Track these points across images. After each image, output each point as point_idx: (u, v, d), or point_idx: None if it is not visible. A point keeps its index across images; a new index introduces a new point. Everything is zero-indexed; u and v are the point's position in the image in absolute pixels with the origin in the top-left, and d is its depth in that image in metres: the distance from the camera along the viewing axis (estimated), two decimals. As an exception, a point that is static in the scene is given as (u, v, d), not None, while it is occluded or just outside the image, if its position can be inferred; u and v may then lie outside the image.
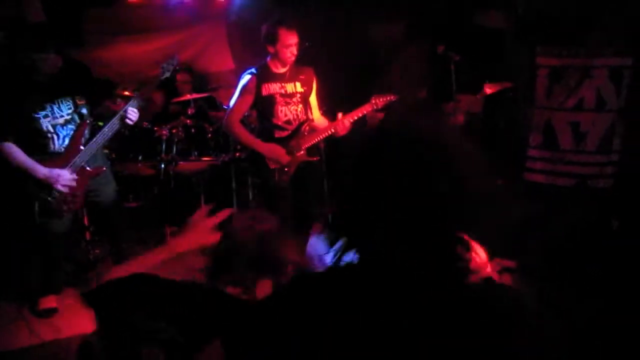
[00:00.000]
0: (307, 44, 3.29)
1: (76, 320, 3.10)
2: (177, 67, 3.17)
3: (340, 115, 3.24)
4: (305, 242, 3.58)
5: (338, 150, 5.00)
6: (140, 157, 4.23)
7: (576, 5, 3.43)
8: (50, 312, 3.17)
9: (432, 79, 3.25)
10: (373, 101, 3.27)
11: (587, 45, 3.60)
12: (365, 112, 3.27)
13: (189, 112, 4.50)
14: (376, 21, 4.61)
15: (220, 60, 5.52)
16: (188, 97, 4.61)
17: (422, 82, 3.26)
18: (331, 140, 4.77)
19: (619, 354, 2.27)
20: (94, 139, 3.01)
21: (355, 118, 3.25)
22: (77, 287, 3.51)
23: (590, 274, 2.93)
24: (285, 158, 3.22)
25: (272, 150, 3.21)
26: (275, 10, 4.56)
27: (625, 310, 2.69)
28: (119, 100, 3.31)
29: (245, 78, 3.22)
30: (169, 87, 4.83)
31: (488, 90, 3.22)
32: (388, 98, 3.29)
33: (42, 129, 2.90)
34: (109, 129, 2.97)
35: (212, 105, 4.91)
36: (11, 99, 2.84)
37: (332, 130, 3.24)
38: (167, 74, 3.04)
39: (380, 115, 3.39)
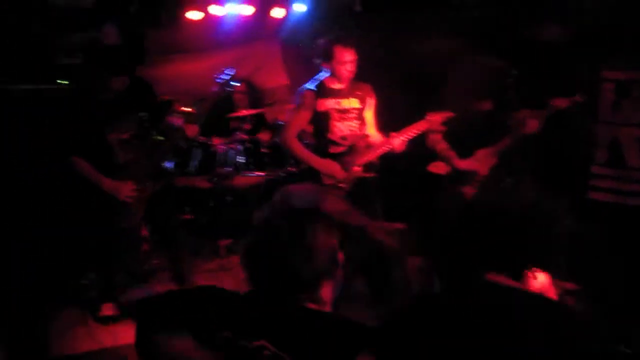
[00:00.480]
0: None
1: (131, 329, 3.19)
2: (234, 80, 3.23)
3: (392, 134, 3.22)
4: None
5: (394, 167, 4.96)
6: (197, 171, 4.34)
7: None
8: (110, 319, 3.29)
9: (493, 92, 3.17)
10: (428, 118, 3.23)
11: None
12: (421, 129, 3.22)
13: (245, 128, 4.60)
14: (430, 37, 4.57)
15: (274, 77, 5.62)
16: (244, 112, 4.71)
17: (484, 95, 3.19)
18: (386, 157, 4.77)
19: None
20: (156, 154, 3.14)
21: (412, 135, 3.22)
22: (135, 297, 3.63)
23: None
24: (340, 173, 3.22)
25: (327, 166, 3.21)
26: (331, 28, 4.63)
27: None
28: (176, 114, 3.41)
29: (302, 94, 3.25)
30: (227, 103, 4.96)
31: (559, 104, 3.10)
32: (444, 115, 3.23)
33: (108, 144, 3.05)
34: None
35: (263, 122, 4.99)
36: (83, 117, 3.01)
37: (389, 148, 3.22)
38: (227, 88, 3.12)
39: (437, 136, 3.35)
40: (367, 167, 3.31)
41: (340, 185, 3.24)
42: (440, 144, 3.37)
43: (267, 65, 5.63)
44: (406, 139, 3.20)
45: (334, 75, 3.19)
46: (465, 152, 3.33)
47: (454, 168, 3.33)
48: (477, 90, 3.25)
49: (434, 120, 3.22)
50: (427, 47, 4.91)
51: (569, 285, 3.39)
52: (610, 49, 3.58)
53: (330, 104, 3.23)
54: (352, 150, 3.27)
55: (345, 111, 3.25)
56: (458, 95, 3.30)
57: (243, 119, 4.74)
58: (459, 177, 3.33)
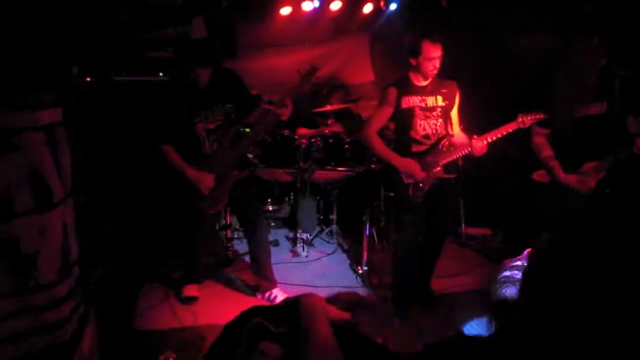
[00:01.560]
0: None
1: (213, 310, 3.34)
2: (318, 81, 3.25)
3: (475, 137, 3.09)
4: (436, 258, 3.45)
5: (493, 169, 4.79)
6: (280, 164, 4.43)
7: None
8: (192, 299, 3.45)
9: (600, 95, 2.92)
10: (520, 119, 3.04)
11: None
12: (509, 130, 3.05)
13: (329, 123, 4.62)
14: (525, 33, 4.33)
15: (361, 72, 5.61)
16: (328, 107, 4.73)
17: (593, 97, 2.95)
18: (470, 159, 4.61)
19: None
20: (241, 145, 3.23)
21: (495, 138, 3.06)
22: (216, 280, 3.79)
23: None
24: (420, 174, 3.14)
25: (407, 165, 3.15)
26: (421, 23, 4.53)
27: None
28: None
29: (387, 90, 3.21)
30: (318, 100, 5.03)
31: None
32: (536, 116, 3.03)
33: (196, 133, 3.19)
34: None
35: (349, 117, 4.99)
36: (173, 107, 3.16)
37: (468, 151, 3.09)
38: (307, 84, 3.14)
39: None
40: (449, 167, 3.21)
41: (420, 185, 3.16)
42: (545, 151, 3.16)
43: (354, 61, 5.63)
44: (487, 143, 3.06)
45: (419, 71, 3.11)
46: (572, 160, 3.09)
47: (557, 180, 3.12)
48: (582, 93, 3.01)
49: (525, 121, 3.03)
50: (523, 46, 4.67)
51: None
52: None
53: (414, 101, 3.16)
54: (434, 149, 3.18)
55: (429, 109, 3.16)
56: (562, 98, 3.08)
57: (327, 114, 4.76)
58: (563, 189, 3.11)
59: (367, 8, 5.31)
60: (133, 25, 3.78)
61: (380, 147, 3.21)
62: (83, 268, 1.82)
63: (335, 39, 5.67)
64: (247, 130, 3.34)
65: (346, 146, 4.40)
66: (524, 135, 3.27)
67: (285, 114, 3.14)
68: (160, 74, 4.43)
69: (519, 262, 1.99)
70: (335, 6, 5.18)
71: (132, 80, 4.33)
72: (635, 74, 2.86)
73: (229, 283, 3.78)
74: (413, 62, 3.09)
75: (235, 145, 3.23)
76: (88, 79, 4.04)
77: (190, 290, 3.50)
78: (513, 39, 4.59)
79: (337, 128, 4.56)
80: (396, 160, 3.17)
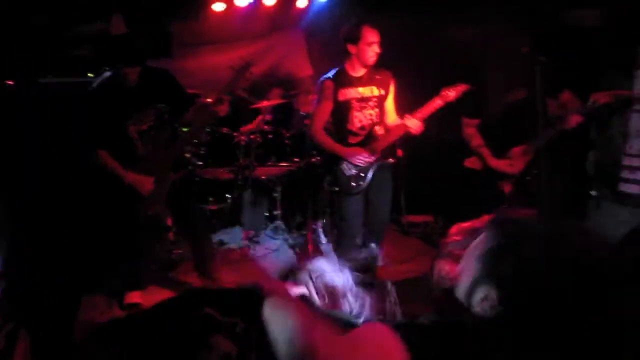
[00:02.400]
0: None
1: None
2: (255, 77, 3.24)
3: (406, 116, 3.17)
4: (380, 246, 3.52)
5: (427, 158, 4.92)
6: (220, 162, 4.38)
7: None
8: (134, 306, 3.35)
9: (524, 80, 3.08)
10: (444, 93, 3.13)
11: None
12: (436, 104, 3.12)
13: (266, 119, 4.60)
14: (458, 24, 4.48)
15: (299, 67, 5.62)
16: (265, 103, 4.71)
17: (521, 83, 3.10)
18: (410, 147, 4.72)
19: None
20: (176, 145, 3.16)
21: (427, 114, 3.14)
22: (161, 285, 3.70)
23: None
24: (369, 158, 3.22)
25: (355, 153, 3.22)
26: (356, 12, 4.57)
27: None
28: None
29: (322, 85, 3.25)
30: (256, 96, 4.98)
31: (602, 99, 2.97)
32: (459, 88, 3.12)
33: (128, 135, 3.10)
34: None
35: (289, 112, 4.99)
36: (103, 110, 3.06)
37: (404, 130, 3.17)
38: (242, 80, 3.12)
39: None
40: (386, 152, 3.29)
41: (362, 174, 3.22)
42: (475, 140, 3.30)
43: (291, 56, 5.63)
44: (421, 119, 3.13)
45: (357, 58, 3.16)
46: (502, 146, 3.24)
47: (488, 166, 3.26)
48: (509, 80, 3.17)
49: (450, 94, 3.12)
50: (453, 34, 4.82)
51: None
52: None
53: (350, 93, 3.21)
54: (369, 138, 3.26)
55: (365, 99, 3.22)
56: (492, 85, 3.23)
57: (265, 110, 4.74)
58: (495, 174, 3.26)
59: (302, 2, 5.32)
60: (49, 23, 3.60)
61: (327, 141, 3.27)
62: (10, 281, 1.74)
63: (272, 34, 5.65)
64: (184, 129, 3.28)
65: (286, 141, 4.41)
66: (459, 122, 3.40)
67: (222, 110, 3.11)
68: (90, 75, 4.27)
69: (457, 238, 2.07)
70: (270, 1, 5.16)
71: (59, 82, 4.13)
72: (552, 60, 3.01)
73: (174, 287, 3.70)
74: (353, 49, 3.13)
75: (170, 145, 3.16)
76: (9, 82, 3.82)
77: (133, 297, 3.40)
78: (446, 30, 4.74)
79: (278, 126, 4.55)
80: (344, 151, 3.23)
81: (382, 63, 3.30)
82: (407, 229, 4.77)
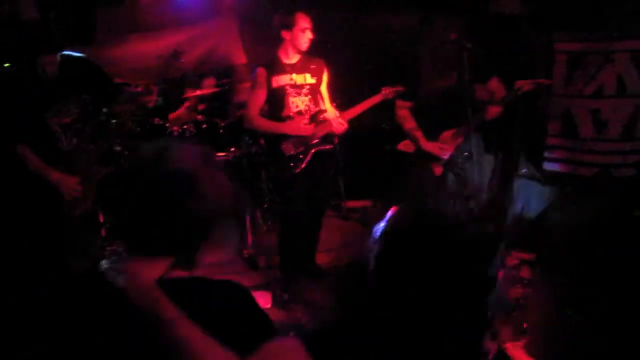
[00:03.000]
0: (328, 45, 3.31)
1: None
2: (186, 66, 3.16)
3: (339, 114, 3.25)
4: (318, 231, 3.54)
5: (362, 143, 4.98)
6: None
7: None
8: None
9: (453, 66, 3.17)
10: (384, 92, 3.26)
11: (607, 29, 3.47)
12: (375, 102, 3.26)
13: (200, 108, 4.49)
14: (390, 12, 4.54)
15: (232, 55, 5.50)
16: (198, 92, 4.59)
17: (448, 68, 3.19)
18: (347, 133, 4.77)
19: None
20: (103, 138, 3.02)
21: (359, 112, 3.26)
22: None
23: (610, 265, 2.84)
24: (309, 129, 3.23)
25: (296, 126, 3.23)
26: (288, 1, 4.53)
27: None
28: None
29: (256, 72, 3.26)
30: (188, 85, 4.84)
31: (525, 87, 3.12)
32: (398, 89, 3.28)
33: (50, 129, 2.91)
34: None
35: (224, 101, 4.90)
36: (19, 103, 2.85)
37: (328, 129, 3.24)
38: (171, 69, 3.04)
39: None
40: (325, 139, 3.32)
41: (301, 156, 3.24)
42: (408, 123, 3.38)
43: (224, 44, 5.50)
44: (345, 120, 3.24)
45: (291, 45, 3.17)
46: (434, 129, 3.33)
47: (421, 148, 3.35)
48: (439, 66, 3.25)
49: (389, 93, 3.25)
50: (388, 20, 4.89)
51: (526, 256, 3.47)
52: (564, 21, 3.61)
53: (284, 80, 3.21)
54: (310, 123, 3.29)
55: (299, 86, 3.23)
56: (423, 71, 3.30)
57: (195, 98, 4.62)
58: (427, 156, 3.35)
59: (233, -11, 5.20)
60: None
61: (265, 123, 3.28)
62: None
63: (203, 22, 5.48)
64: (113, 121, 3.13)
65: (221, 131, 4.32)
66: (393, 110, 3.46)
67: (151, 101, 3.01)
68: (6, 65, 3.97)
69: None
70: (199, -13, 5.01)
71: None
72: (479, 46, 3.12)
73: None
74: (287, 35, 3.15)
75: (98, 139, 3.01)
76: None
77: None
78: (381, 17, 4.80)
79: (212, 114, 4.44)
80: (285, 127, 3.24)
81: (318, 51, 3.32)
82: (346, 214, 4.83)
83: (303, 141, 3.25)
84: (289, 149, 3.25)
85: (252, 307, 1.12)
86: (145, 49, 4.92)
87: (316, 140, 3.27)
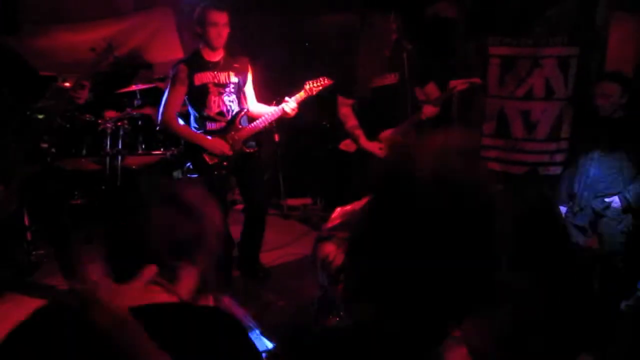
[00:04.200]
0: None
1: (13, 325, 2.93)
2: (119, 60, 3.01)
3: (285, 100, 3.19)
4: (261, 232, 3.49)
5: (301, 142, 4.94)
6: (84, 152, 4.02)
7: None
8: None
9: (393, 66, 3.21)
10: (307, 87, 3.21)
11: (535, 36, 3.65)
12: (301, 99, 3.20)
13: (135, 104, 4.31)
14: (329, 12, 4.56)
15: (168, 50, 5.31)
16: (133, 87, 4.41)
17: (387, 68, 3.21)
18: (286, 132, 4.75)
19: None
20: (28, 134, 2.83)
21: (299, 100, 3.20)
22: (20, 291, 3.32)
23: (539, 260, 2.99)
24: (229, 151, 3.16)
25: (215, 145, 3.13)
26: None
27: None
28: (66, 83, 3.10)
29: (176, 68, 3.12)
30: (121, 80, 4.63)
31: (458, 86, 3.21)
32: (322, 83, 3.23)
33: None
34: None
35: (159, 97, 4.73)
36: None
37: (281, 113, 3.18)
38: (104, 63, 2.88)
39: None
40: (249, 141, 3.27)
41: (224, 163, 3.16)
42: (350, 120, 3.37)
43: (159, 37, 5.31)
44: (296, 105, 3.18)
45: (206, 41, 3.08)
46: (374, 128, 3.35)
47: (361, 148, 3.36)
48: (379, 64, 3.27)
49: (313, 88, 3.21)
50: (325, 23, 4.91)
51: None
52: (496, 27, 3.77)
53: (207, 77, 3.13)
54: (231, 126, 3.20)
55: (222, 85, 3.15)
56: (363, 69, 3.30)
57: (132, 94, 4.43)
58: (367, 155, 3.37)
59: (170, -20, 5.04)
60: None
61: (184, 130, 3.15)
62: None
63: (137, 13, 5.27)
64: (40, 116, 2.93)
65: (157, 128, 4.17)
66: (334, 107, 3.46)
67: (82, 96, 2.85)
68: None
69: (339, 221, 2.11)
70: (134, -23, 4.81)
71: None
72: (419, 48, 3.19)
73: (35, 292, 3.34)
74: (199, 30, 3.07)
75: (21, 136, 2.82)
76: None
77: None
78: (318, 16, 4.80)
79: (148, 111, 4.28)
80: (204, 141, 3.13)
81: (253, 49, 3.27)
82: (286, 212, 4.81)
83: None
84: (211, 158, 3.14)
85: (240, 338, 1.04)
86: (76, 41, 4.67)
87: (239, 147, 3.20)
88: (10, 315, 3.03)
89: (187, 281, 1.11)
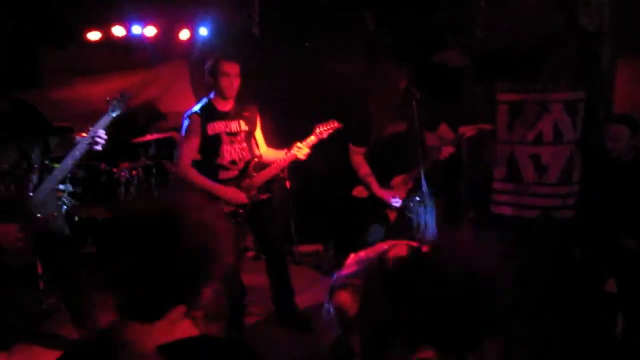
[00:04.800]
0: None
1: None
2: (128, 106, 3.07)
3: (297, 145, 3.23)
4: (285, 277, 3.47)
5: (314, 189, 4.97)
6: (98, 200, 4.08)
7: (527, 44, 3.55)
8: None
9: (403, 114, 3.26)
10: (317, 130, 3.25)
11: (541, 81, 3.71)
12: (312, 143, 3.24)
13: (150, 153, 4.40)
14: (337, 60, 4.68)
15: (182, 100, 5.46)
16: (148, 137, 4.52)
17: (399, 116, 3.27)
18: (298, 178, 4.79)
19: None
20: (48, 179, 2.87)
21: (311, 144, 3.23)
22: (30, 341, 3.30)
23: (557, 305, 2.93)
24: (245, 200, 3.18)
25: (231, 194, 3.15)
26: (233, 50, 4.60)
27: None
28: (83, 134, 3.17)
29: (189, 119, 3.17)
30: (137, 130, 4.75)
31: (468, 132, 3.26)
32: (332, 126, 3.27)
33: None
34: (71, 158, 2.84)
35: (172, 146, 4.83)
36: None
37: (294, 157, 3.22)
38: (118, 111, 2.94)
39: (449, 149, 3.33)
40: (261, 189, 3.29)
41: (240, 211, 3.18)
42: (363, 169, 3.41)
43: (174, 88, 5.48)
44: (309, 149, 3.22)
45: (218, 91, 3.15)
46: (385, 175, 3.38)
47: (374, 195, 3.39)
48: (390, 112, 3.34)
49: (323, 132, 3.25)
50: (335, 68, 5.03)
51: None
52: (503, 73, 3.84)
53: (220, 127, 3.18)
54: (244, 174, 3.24)
55: (234, 134, 3.21)
56: (374, 117, 3.37)
57: (148, 143, 4.53)
58: (380, 202, 3.39)
59: (184, 34, 5.23)
60: None
61: (200, 179, 3.16)
62: None
63: (153, 65, 5.47)
64: (55, 166, 3.00)
65: (171, 175, 4.24)
66: (347, 154, 3.50)
67: (100, 144, 2.91)
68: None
69: (354, 269, 2.09)
70: (150, 32, 5.01)
71: None
72: (427, 96, 3.25)
73: (47, 341, 3.32)
74: (211, 80, 3.14)
75: (37, 186, 2.86)
76: None
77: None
78: (328, 65, 4.93)
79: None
80: (220, 190, 3.15)
81: (264, 95, 3.34)
82: (299, 258, 4.78)
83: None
84: (226, 206, 3.16)
85: None
86: (94, 92, 4.83)
87: (254, 192, 3.22)
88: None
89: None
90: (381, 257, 1.14)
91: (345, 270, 2.03)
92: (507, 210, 3.87)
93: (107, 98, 2.98)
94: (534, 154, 3.73)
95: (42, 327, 3.56)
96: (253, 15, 4.79)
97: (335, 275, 1.62)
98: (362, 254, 2.02)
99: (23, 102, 2.95)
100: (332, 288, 2.08)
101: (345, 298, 2.01)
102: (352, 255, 2.03)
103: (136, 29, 4.89)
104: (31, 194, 2.84)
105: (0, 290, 3.03)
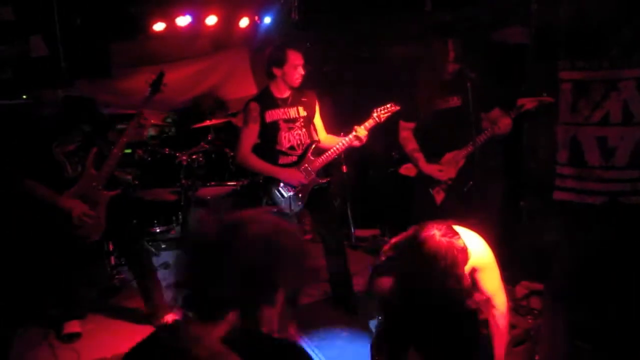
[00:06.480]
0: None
1: (99, 345, 3.14)
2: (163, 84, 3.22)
3: (356, 128, 3.23)
4: (344, 260, 3.50)
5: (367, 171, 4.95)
6: (162, 183, 4.30)
7: (596, 17, 3.33)
8: (74, 336, 3.23)
9: (457, 91, 3.18)
10: (375, 114, 3.24)
11: (611, 57, 3.47)
12: (370, 126, 3.23)
13: (209, 138, 4.57)
14: (391, 42, 4.61)
15: (243, 87, 5.61)
16: (208, 123, 4.68)
17: (449, 91, 3.20)
18: (354, 162, 4.80)
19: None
20: (107, 161, 3.07)
21: (369, 127, 3.23)
22: (102, 313, 3.56)
23: (621, 295, 2.78)
24: (305, 180, 3.23)
25: (291, 175, 3.21)
26: (296, 36, 4.64)
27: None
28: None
29: (249, 106, 3.24)
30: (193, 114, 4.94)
31: (527, 104, 3.11)
32: (390, 109, 3.24)
33: (55, 159, 3.00)
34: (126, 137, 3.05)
35: (232, 131, 4.98)
36: (23, 136, 2.96)
37: (353, 141, 3.23)
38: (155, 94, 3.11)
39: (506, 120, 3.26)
40: (321, 173, 3.32)
41: (300, 195, 3.23)
42: (410, 144, 3.35)
43: (235, 75, 5.62)
44: (366, 132, 3.22)
45: (283, 81, 3.19)
46: (436, 152, 3.32)
47: (421, 171, 3.33)
48: (440, 88, 3.26)
49: (380, 115, 3.23)
50: (396, 54, 4.96)
51: (535, 286, 3.42)
52: (568, 50, 3.63)
53: (278, 114, 3.23)
54: (303, 158, 3.28)
55: (292, 120, 3.25)
56: (423, 92, 3.30)
57: (207, 129, 4.70)
58: (427, 179, 3.32)
59: (244, 22, 5.34)
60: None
61: (259, 164, 3.25)
62: None
63: (215, 53, 5.63)
64: (114, 149, 3.21)
65: (229, 160, 4.38)
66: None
67: (143, 132, 3.09)
68: (24, 97, 4.10)
69: (390, 254, 2.09)
70: (211, 21, 5.15)
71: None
72: (482, 77, 3.15)
73: (117, 314, 3.58)
74: (278, 72, 3.17)
75: (100, 165, 3.08)
76: None
77: (72, 326, 3.27)
78: (387, 49, 4.87)
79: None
80: (280, 173, 3.22)
81: (321, 82, 3.36)
82: (355, 243, 4.81)
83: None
84: (287, 190, 3.23)
85: None
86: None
87: (313, 176, 3.26)
88: (93, 336, 3.27)
89: (269, 324, 1.16)
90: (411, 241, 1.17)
91: (384, 256, 2.04)
92: (570, 197, 3.68)
93: (146, 80, 3.12)
94: (599, 136, 3.51)
95: (113, 300, 3.83)
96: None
97: (374, 264, 1.66)
98: (395, 239, 2.03)
99: (79, 97, 3.18)
100: (373, 273, 2.10)
101: (385, 282, 2.03)
102: (388, 242, 2.03)
103: (199, 18, 5.05)
104: (94, 171, 3.05)
105: (76, 266, 3.28)
